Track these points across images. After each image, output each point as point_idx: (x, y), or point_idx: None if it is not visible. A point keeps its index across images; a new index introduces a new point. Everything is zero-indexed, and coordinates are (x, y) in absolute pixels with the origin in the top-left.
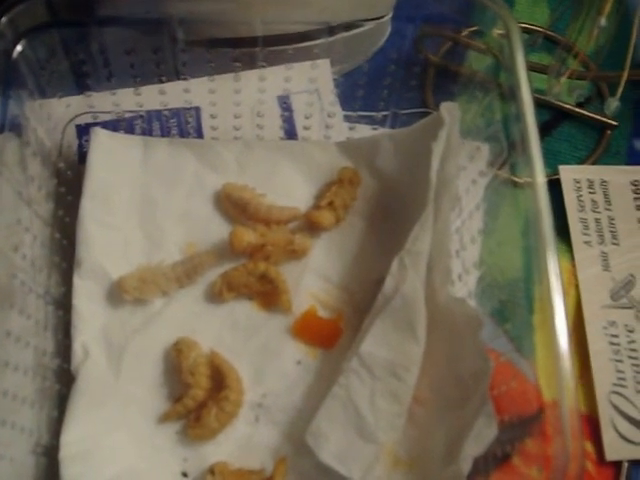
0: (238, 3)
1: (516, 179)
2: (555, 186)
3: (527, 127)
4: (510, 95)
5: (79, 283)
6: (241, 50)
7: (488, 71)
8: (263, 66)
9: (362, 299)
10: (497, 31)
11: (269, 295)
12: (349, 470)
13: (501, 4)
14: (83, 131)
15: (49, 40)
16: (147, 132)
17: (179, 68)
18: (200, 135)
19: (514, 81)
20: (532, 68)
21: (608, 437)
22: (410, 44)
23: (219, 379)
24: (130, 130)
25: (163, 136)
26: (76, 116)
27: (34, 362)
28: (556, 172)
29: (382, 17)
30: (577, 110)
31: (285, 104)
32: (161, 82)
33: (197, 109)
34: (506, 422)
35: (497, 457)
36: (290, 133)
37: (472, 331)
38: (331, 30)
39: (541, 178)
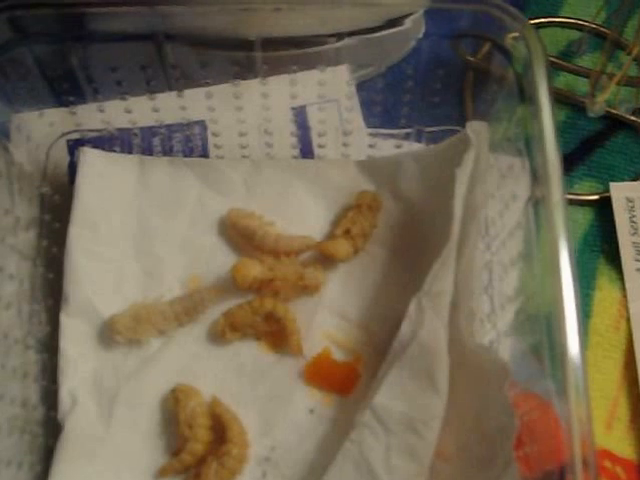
0: (235, 19)
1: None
2: (606, 205)
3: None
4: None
5: (66, 322)
6: (241, 57)
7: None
8: (268, 75)
9: (383, 340)
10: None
11: (277, 336)
12: None
13: (524, 23)
14: (75, 147)
15: (20, 58)
16: (146, 150)
17: (172, 84)
18: (204, 154)
19: (534, 95)
20: (579, 73)
21: None
22: (440, 49)
23: (221, 431)
24: (127, 147)
25: (164, 155)
26: (62, 135)
27: (11, 415)
28: (607, 189)
29: (407, 18)
30: (633, 119)
31: (297, 119)
32: (154, 99)
33: (199, 125)
34: None
35: None
36: (304, 151)
37: (498, 382)
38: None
39: (557, 196)
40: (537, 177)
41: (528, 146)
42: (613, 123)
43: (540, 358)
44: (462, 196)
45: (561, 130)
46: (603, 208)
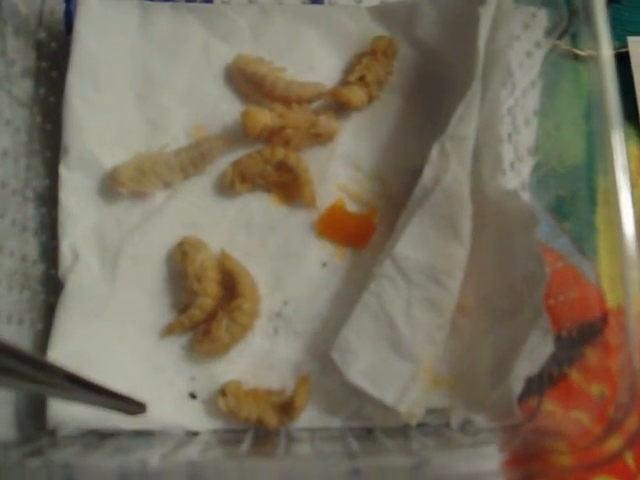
0: None
1: (578, 52)
2: (623, 61)
3: None
4: None
5: (66, 174)
6: None
7: None
8: None
9: (398, 191)
10: None
11: (289, 187)
12: (381, 391)
13: None
14: None
15: None
16: None
17: None
18: None
19: None
20: None
21: None
22: None
23: (231, 285)
24: None
25: (165, 0)
26: None
27: (11, 269)
28: (624, 45)
29: None
30: None
31: None
32: None
33: None
34: (565, 337)
35: (553, 376)
36: None
37: (526, 229)
38: None
39: (606, 50)
40: (565, 28)
41: None
42: None
43: (557, 217)
44: (486, 36)
45: None
46: (619, 64)
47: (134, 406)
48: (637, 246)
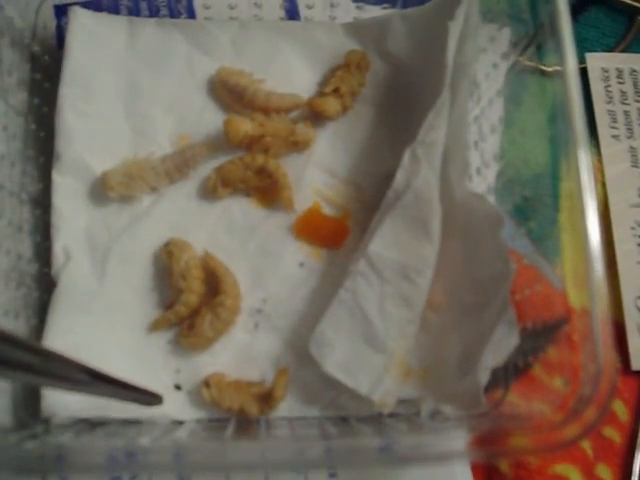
0: None
1: (542, 66)
2: (581, 76)
3: (557, 8)
4: None
5: (59, 179)
6: None
7: None
8: None
9: (371, 195)
10: None
11: (268, 191)
12: (356, 382)
13: None
14: (62, 11)
15: None
16: (134, 12)
17: None
18: (192, 15)
19: None
20: None
21: (634, 345)
22: None
23: (214, 283)
24: (114, 10)
25: (151, 17)
26: None
27: (8, 267)
28: (582, 61)
29: None
30: None
31: None
32: None
33: None
34: (529, 330)
35: (518, 368)
36: (291, 13)
37: (492, 230)
38: None
39: (572, 63)
40: (529, 42)
41: (533, 14)
42: None
43: (520, 219)
44: (454, 49)
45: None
46: None
47: (151, 398)
48: (601, 249)
